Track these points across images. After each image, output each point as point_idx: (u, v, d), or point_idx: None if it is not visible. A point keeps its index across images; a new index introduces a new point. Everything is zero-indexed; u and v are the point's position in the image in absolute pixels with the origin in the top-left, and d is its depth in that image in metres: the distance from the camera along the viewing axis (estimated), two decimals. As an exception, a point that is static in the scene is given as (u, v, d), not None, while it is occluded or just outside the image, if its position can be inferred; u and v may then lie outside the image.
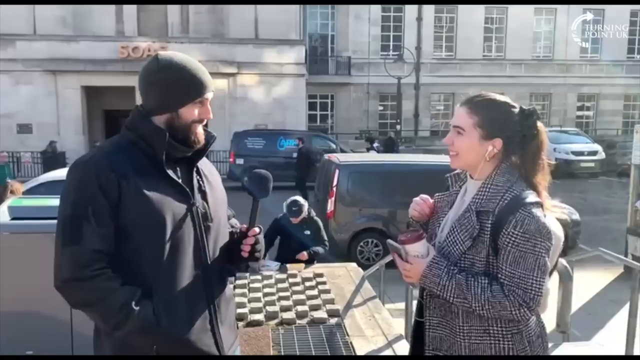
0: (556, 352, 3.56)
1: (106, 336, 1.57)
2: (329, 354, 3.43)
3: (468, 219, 1.63)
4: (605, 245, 5.07)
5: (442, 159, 7.42)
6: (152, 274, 1.55)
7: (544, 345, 1.69)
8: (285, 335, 3.70)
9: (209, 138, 1.71)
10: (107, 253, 1.50)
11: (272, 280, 4.75)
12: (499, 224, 1.58)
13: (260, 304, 4.20)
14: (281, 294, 4.42)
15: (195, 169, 1.70)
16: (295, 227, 5.47)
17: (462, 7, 25.11)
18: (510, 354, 1.62)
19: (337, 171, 7.95)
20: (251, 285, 4.66)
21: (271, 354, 3.41)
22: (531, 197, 1.61)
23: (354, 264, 5.62)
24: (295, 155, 14.68)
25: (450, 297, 1.60)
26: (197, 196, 1.66)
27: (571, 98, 27.10)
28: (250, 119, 19.29)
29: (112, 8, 19.45)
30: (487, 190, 1.65)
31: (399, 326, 3.90)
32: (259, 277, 4.83)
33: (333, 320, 3.96)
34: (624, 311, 4.35)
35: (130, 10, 19.72)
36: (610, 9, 25.32)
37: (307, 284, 4.68)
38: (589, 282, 6.43)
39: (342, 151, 15.60)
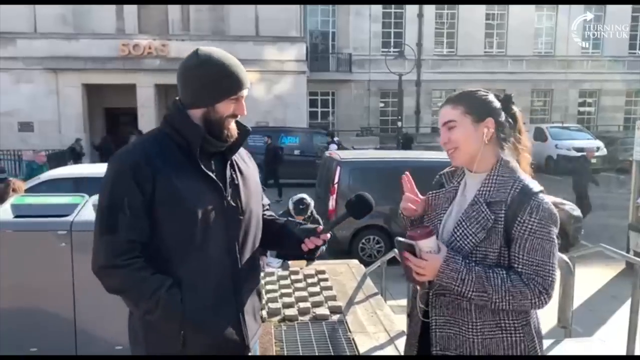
0: (559, 348, 3.57)
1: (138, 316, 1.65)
2: (332, 351, 3.43)
3: (477, 211, 1.63)
4: (604, 242, 5.07)
5: (444, 156, 7.40)
6: (182, 264, 1.61)
7: (541, 335, 1.72)
8: (287, 331, 3.70)
9: (244, 132, 1.75)
10: (140, 243, 1.57)
11: (275, 277, 4.76)
12: (513, 213, 1.59)
13: (262, 301, 4.19)
14: (283, 290, 4.42)
15: (229, 163, 1.74)
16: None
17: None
18: (522, 346, 1.63)
19: (338, 168, 7.95)
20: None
21: (274, 350, 3.42)
22: (537, 185, 1.65)
23: (356, 261, 5.61)
24: (296, 152, 15.12)
25: (469, 292, 1.57)
26: (229, 190, 1.70)
27: (572, 94, 27.02)
28: (251, 117, 19.19)
29: (112, 6, 19.41)
30: (494, 181, 1.66)
31: (400, 322, 3.90)
32: (261, 274, 4.82)
33: (335, 317, 3.96)
34: (626, 307, 4.35)
35: (130, 7, 19.67)
36: (611, 7, 25.19)
37: (309, 280, 4.68)
38: (591, 279, 6.43)
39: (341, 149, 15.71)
